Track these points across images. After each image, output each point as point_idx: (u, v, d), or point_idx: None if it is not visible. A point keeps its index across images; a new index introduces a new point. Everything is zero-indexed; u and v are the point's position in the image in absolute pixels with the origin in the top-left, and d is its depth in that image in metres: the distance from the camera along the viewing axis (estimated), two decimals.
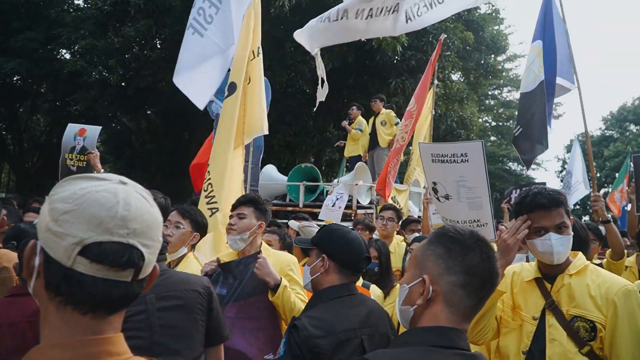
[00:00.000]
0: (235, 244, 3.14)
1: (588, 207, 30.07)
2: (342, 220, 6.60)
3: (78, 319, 0.97)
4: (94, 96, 16.11)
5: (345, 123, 10.27)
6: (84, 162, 5.05)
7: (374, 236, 5.44)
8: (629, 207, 6.01)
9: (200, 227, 3.27)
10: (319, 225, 6.56)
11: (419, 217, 6.95)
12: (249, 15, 4.77)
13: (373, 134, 9.79)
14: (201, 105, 5.09)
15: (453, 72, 17.03)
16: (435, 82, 10.07)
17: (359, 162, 8.90)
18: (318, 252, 2.29)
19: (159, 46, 14.92)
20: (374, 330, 2.14)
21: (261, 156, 6.34)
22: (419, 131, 9.73)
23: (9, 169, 25.17)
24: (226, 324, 2.40)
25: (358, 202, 7.96)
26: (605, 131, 36.99)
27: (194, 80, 5.03)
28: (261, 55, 4.79)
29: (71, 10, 17.88)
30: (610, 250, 4.33)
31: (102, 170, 4.91)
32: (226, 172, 4.35)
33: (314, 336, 1.95)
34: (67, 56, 18.26)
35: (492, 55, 19.54)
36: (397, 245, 5.49)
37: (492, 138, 32.32)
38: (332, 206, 6.37)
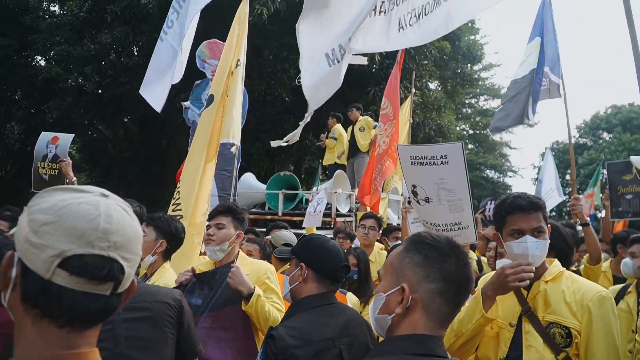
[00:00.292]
0: (214, 255, 3.12)
1: (564, 213, 30.60)
2: (322, 228, 6.60)
3: (54, 332, 0.95)
4: (69, 104, 15.85)
5: (322, 137, 10.33)
6: (56, 171, 4.98)
7: (354, 244, 5.44)
8: (602, 214, 6.13)
9: (167, 234, 3.14)
10: (299, 234, 6.55)
11: (398, 224, 6.97)
12: (233, 30, 4.79)
13: (352, 143, 9.83)
14: (158, 108, 5.23)
15: (430, 80, 17.22)
16: (413, 90, 10.16)
17: (338, 170, 8.91)
18: (297, 261, 2.29)
19: (136, 53, 14.77)
20: (353, 339, 2.12)
21: (239, 164, 6.32)
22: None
23: None
24: (202, 334, 2.36)
25: (337, 209, 7.97)
26: (579, 139, 37.78)
27: (155, 86, 5.17)
28: (242, 67, 4.77)
29: (46, 16, 17.59)
30: (587, 255, 4.35)
31: (75, 179, 4.85)
32: (196, 181, 4.36)
33: (291, 346, 1.93)
34: (42, 63, 17.96)
35: (469, 65, 19.82)
36: (378, 254, 5.47)
37: (470, 146, 32.73)
38: (314, 212, 6.36)
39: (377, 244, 5.78)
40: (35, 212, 0.96)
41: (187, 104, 6.67)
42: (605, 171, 5.38)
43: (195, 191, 4.33)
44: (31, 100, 18.67)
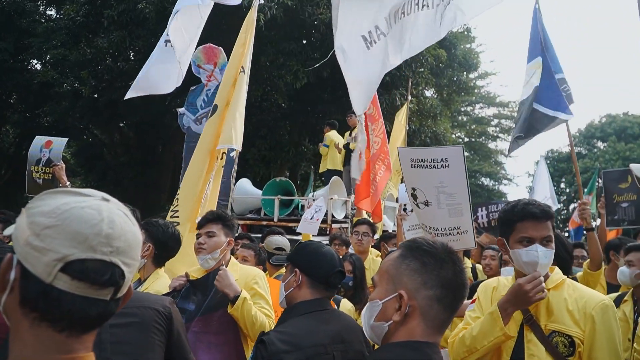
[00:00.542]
0: (206, 263, 3.11)
1: (558, 221, 30.66)
2: (318, 235, 6.57)
3: (53, 336, 0.94)
4: (65, 108, 15.81)
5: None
6: (50, 175, 4.97)
7: (350, 251, 5.41)
8: (597, 222, 6.14)
9: (154, 239, 3.09)
10: (295, 240, 6.52)
11: (394, 231, 6.95)
12: (239, 39, 4.83)
13: (349, 149, 9.83)
14: (169, 89, 5.38)
15: (426, 88, 17.29)
16: (409, 97, 10.18)
17: (334, 177, 8.91)
18: (291, 267, 2.29)
19: (132, 58, 14.76)
20: (347, 346, 2.10)
21: (234, 170, 6.31)
22: (392, 146, 9.81)
23: None
24: (192, 338, 2.34)
25: (333, 216, 7.95)
26: (574, 148, 37.90)
27: (149, 78, 5.27)
28: (246, 73, 4.78)
29: (43, 20, 17.56)
30: (587, 261, 4.34)
31: (68, 183, 4.83)
32: (196, 189, 4.41)
33: (280, 351, 1.92)
34: (38, 67, 17.91)
35: (464, 73, 19.92)
36: (372, 261, 5.45)
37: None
38: (310, 219, 6.34)
39: (373, 250, 5.75)
40: (37, 215, 0.95)
41: (181, 110, 6.68)
42: (601, 180, 5.39)
43: (195, 198, 4.36)
44: (26, 104, 18.61)
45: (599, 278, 4.33)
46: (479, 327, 2.17)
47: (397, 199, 8.82)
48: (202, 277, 3.08)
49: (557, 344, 2.11)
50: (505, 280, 2.42)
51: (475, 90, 28.20)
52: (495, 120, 31.91)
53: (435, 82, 17.01)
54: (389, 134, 11.49)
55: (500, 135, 31.63)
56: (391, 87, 13.88)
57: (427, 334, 1.40)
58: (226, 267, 3.08)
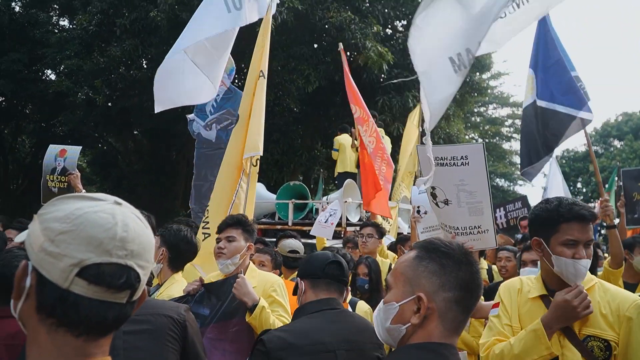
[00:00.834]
0: (226, 268, 3.10)
1: None
2: (332, 238, 6.54)
3: (70, 341, 0.94)
4: (79, 117, 15.98)
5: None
6: (65, 183, 5.01)
7: None
8: (617, 221, 6.04)
9: (167, 243, 3.11)
10: (310, 244, 6.50)
11: (409, 233, 6.90)
12: (258, 45, 4.84)
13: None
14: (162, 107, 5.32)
15: None
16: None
17: (348, 179, 8.88)
18: (299, 281, 2.36)
19: (145, 66, 14.87)
20: (353, 346, 2.10)
21: None
22: (405, 148, 9.75)
23: None
24: (207, 344, 2.35)
25: (347, 219, 7.92)
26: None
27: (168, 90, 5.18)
28: (265, 78, 4.76)
29: (56, 30, 17.79)
30: (608, 259, 4.30)
31: (84, 191, 4.85)
32: (227, 199, 4.41)
33: (277, 348, 1.96)
34: (52, 77, 18.15)
35: (477, 73, 19.76)
36: (381, 262, 5.42)
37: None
38: (325, 222, 6.30)
39: (390, 253, 5.71)
40: (50, 221, 0.95)
41: (191, 116, 6.69)
42: (619, 179, 5.31)
43: (226, 209, 4.32)
44: (42, 114, 18.87)
45: (620, 276, 4.26)
46: (521, 345, 2.07)
47: (410, 200, 8.77)
48: (217, 281, 3.07)
49: (592, 348, 2.04)
50: (528, 280, 2.32)
51: (489, 91, 27.97)
52: (509, 121, 31.63)
53: None
54: (400, 136, 11.46)
55: (514, 135, 31.32)
56: (403, 89, 13.83)
57: (445, 336, 1.38)
58: (245, 272, 3.07)
